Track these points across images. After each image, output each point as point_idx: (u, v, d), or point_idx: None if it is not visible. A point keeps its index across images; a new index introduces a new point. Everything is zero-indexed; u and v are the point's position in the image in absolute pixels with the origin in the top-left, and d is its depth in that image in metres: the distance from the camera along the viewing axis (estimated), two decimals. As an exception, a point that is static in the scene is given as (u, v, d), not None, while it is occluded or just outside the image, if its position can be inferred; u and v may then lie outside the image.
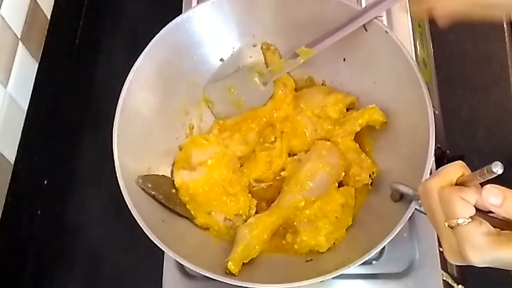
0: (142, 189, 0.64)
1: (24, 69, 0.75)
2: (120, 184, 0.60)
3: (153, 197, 0.64)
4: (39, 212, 0.78)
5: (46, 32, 0.80)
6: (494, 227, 0.42)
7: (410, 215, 0.57)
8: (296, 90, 0.74)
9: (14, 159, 0.72)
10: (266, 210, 0.67)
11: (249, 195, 0.69)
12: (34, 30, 0.77)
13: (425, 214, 0.46)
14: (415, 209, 0.57)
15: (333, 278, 0.58)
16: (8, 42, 0.71)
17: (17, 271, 0.74)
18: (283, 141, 0.71)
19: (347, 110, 0.71)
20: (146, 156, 0.67)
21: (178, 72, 0.71)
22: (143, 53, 0.66)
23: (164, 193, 0.65)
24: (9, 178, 0.71)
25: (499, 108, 0.83)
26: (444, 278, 0.67)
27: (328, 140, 0.69)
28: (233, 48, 0.75)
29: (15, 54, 0.72)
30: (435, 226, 0.44)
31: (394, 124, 0.67)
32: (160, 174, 0.68)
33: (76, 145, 0.83)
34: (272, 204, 0.67)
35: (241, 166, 0.71)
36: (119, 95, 0.64)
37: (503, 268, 0.42)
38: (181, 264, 0.67)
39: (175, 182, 0.67)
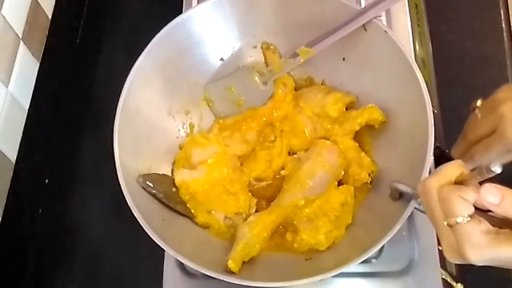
0: (143, 188, 0.64)
1: (25, 68, 0.75)
2: (120, 183, 0.60)
3: (154, 196, 0.64)
4: (40, 211, 0.79)
5: (47, 32, 0.81)
6: (493, 225, 0.42)
7: (409, 214, 0.57)
8: (296, 89, 0.74)
9: (15, 158, 0.73)
10: (266, 209, 0.67)
11: (249, 194, 0.69)
12: (35, 29, 0.77)
13: (424, 213, 0.46)
14: (414, 207, 0.57)
15: (332, 276, 0.58)
16: (10, 42, 0.71)
17: (18, 270, 0.74)
18: (283, 140, 0.71)
19: (347, 109, 0.71)
20: (147, 155, 0.67)
21: (179, 72, 0.71)
22: (143, 53, 0.67)
23: (164, 192, 0.65)
24: (10, 177, 0.71)
25: (498, 108, 0.83)
26: (443, 277, 0.67)
27: (328, 139, 0.69)
28: (233, 48, 0.75)
29: (16, 53, 0.73)
30: (434, 224, 0.44)
31: (393, 124, 0.67)
32: (161, 173, 0.68)
33: (77, 145, 0.83)
34: (272, 203, 0.67)
35: (241, 165, 0.71)
36: (120, 95, 0.64)
37: (502, 267, 0.42)
38: (182, 263, 0.67)
39: (175, 181, 0.67)
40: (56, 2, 0.83)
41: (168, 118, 0.71)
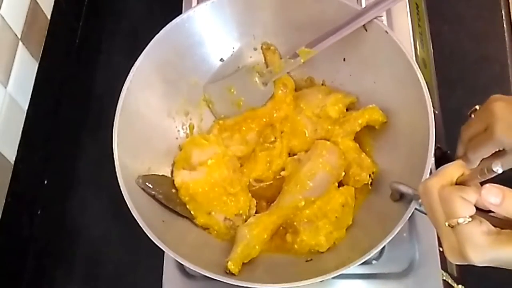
0: (142, 189, 0.64)
1: (24, 69, 0.75)
2: (120, 184, 0.60)
3: (153, 197, 0.64)
4: (39, 212, 0.78)
5: (46, 32, 0.80)
6: (494, 226, 0.42)
7: (410, 215, 0.57)
8: (296, 90, 0.74)
9: (14, 159, 0.72)
10: (266, 210, 0.67)
11: (249, 195, 0.69)
12: (34, 30, 0.77)
13: (425, 214, 0.46)
14: (415, 208, 0.57)
15: (333, 278, 0.58)
16: (8, 42, 0.71)
17: (17, 271, 0.74)
18: (283, 141, 0.71)
19: (347, 110, 0.71)
20: (146, 156, 0.67)
21: (178, 72, 0.71)
22: (143, 53, 0.66)
23: (164, 193, 0.65)
24: (9, 178, 0.71)
25: (499, 108, 0.83)
26: (444, 278, 0.67)
27: (328, 140, 0.69)
28: (233, 48, 0.75)
29: (15, 54, 0.72)
30: (436, 225, 0.44)
31: (394, 124, 0.67)
32: (160, 174, 0.68)
33: (76, 145, 0.83)
34: (272, 204, 0.67)
35: (241, 166, 0.71)
36: (119, 95, 0.64)
37: (504, 267, 0.42)
38: (181, 264, 0.67)
39: (175, 182, 0.66)
40: (55, 2, 0.83)
41: (167, 118, 0.71)
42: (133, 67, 0.66)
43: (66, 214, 0.79)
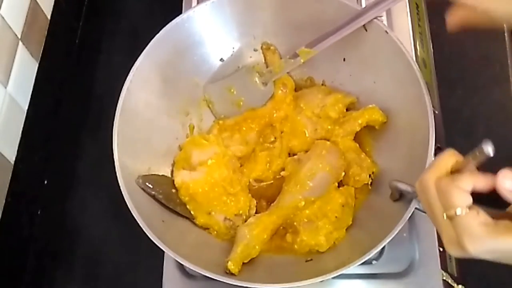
0: (142, 189, 0.64)
1: (24, 69, 0.75)
2: (120, 184, 0.60)
3: (153, 197, 0.64)
4: (39, 212, 0.78)
5: (46, 32, 0.80)
6: None
7: (410, 214, 0.57)
8: (296, 90, 0.74)
9: (14, 159, 0.72)
10: (266, 209, 0.67)
11: (249, 195, 0.69)
12: (34, 30, 0.77)
13: (425, 212, 0.46)
14: (415, 208, 0.57)
15: (333, 278, 0.58)
16: (8, 42, 0.71)
17: (17, 271, 0.74)
18: (283, 141, 0.71)
19: (347, 110, 0.71)
20: (146, 156, 0.67)
21: (178, 72, 0.71)
22: (143, 53, 0.66)
23: (164, 193, 0.65)
24: (9, 178, 0.71)
25: (499, 108, 0.83)
26: (444, 278, 0.67)
27: (328, 140, 0.69)
28: (233, 48, 0.75)
29: (15, 54, 0.72)
30: (434, 219, 0.44)
31: (394, 124, 0.67)
32: (160, 174, 0.68)
33: (76, 145, 0.83)
34: (272, 204, 0.67)
35: (241, 166, 0.71)
36: (119, 95, 0.64)
37: (502, 261, 0.42)
38: (181, 264, 0.67)
39: (175, 182, 0.67)
40: (55, 2, 0.83)
41: (167, 119, 0.71)
42: (133, 67, 0.66)
43: (66, 214, 0.79)
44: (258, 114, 0.72)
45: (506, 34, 0.85)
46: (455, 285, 0.68)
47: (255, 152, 0.71)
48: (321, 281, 0.56)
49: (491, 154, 0.39)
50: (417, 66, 0.63)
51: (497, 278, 0.69)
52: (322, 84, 0.75)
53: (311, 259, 0.64)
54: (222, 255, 0.62)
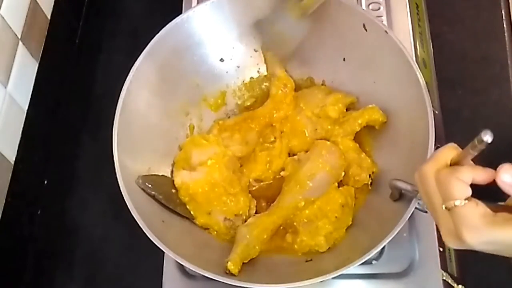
0: (142, 189, 0.64)
1: (24, 69, 0.75)
2: (120, 184, 0.60)
3: (153, 197, 0.64)
4: (39, 212, 0.78)
5: (46, 32, 0.80)
6: None
7: (410, 214, 0.57)
8: (296, 90, 0.74)
9: (14, 159, 0.72)
10: (266, 209, 0.67)
11: (249, 195, 0.69)
12: (34, 30, 0.77)
13: (425, 212, 0.46)
14: (415, 208, 0.57)
15: (333, 278, 0.58)
16: (8, 42, 0.71)
17: (17, 271, 0.74)
18: (283, 141, 0.71)
19: (347, 110, 0.71)
20: (146, 156, 0.67)
21: (178, 72, 0.71)
22: (143, 53, 0.66)
23: (164, 193, 0.65)
24: (9, 178, 0.71)
25: (499, 108, 0.83)
26: (444, 278, 0.67)
27: (328, 140, 0.69)
28: (233, 48, 0.75)
29: (15, 54, 0.72)
30: (432, 210, 0.44)
31: (394, 124, 0.67)
32: (160, 174, 0.68)
33: (76, 145, 0.83)
34: (272, 204, 0.67)
35: (241, 166, 0.71)
36: (119, 95, 0.64)
37: (500, 253, 0.42)
38: (181, 264, 0.66)
39: (175, 182, 0.67)
40: (55, 2, 0.83)
41: (167, 119, 0.71)
42: (133, 67, 0.66)
43: (66, 214, 0.79)
44: (258, 114, 0.72)
45: (506, 34, 0.85)
46: (455, 285, 0.68)
47: (255, 152, 0.71)
48: (321, 281, 0.56)
49: (490, 141, 0.39)
50: (417, 66, 0.63)
51: (497, 278, 0.69)
52: (322, 84, 0.75)
53: (311, 259, 0.64)
54: (222, 255, 0.62)
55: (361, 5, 0.81)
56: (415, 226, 0.69)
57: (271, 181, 0.70)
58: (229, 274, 0.60)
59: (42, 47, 0.79)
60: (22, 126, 0.74)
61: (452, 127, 0.76)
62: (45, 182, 0.80)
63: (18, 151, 0.73)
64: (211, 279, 0.57)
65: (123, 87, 0.64)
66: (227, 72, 0.75)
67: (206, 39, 0.72)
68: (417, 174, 0.45)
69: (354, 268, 0.56)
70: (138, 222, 0.58)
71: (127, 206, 0.59)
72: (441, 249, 0.68)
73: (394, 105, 0.67)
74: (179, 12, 0.77)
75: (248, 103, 0.76)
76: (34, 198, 0.78)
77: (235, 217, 0.67)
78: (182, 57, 0.71)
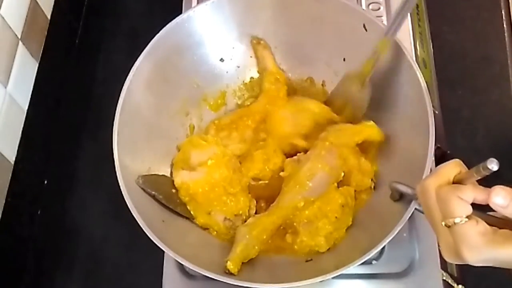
0: (142, 189, 0.64)
1: (24, 69, 0.75)
2: (120, 184, 0.60)
3: (153, 197, 0.64)
4: (39, 212, 0.78)
5: (46, 32, 0.80)
6: (490, 225, 0.42)
7: (410, 215, 0.57)
8: (296, 90, 0.74)
9: (14, 159, 0.72)
10: (266, 210, 0.67)
11: (249, 195, 0.69)
12: (34, 30, 0.77)
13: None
14: (415, 208, 0.57)
15: (333, 278, 0.58)
16: (8, 42, 0.71)
17: (17, 271, 0.74)
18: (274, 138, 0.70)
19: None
20: (146, 156, 0.67)
21: (178, 72, 0.71)
22: (143, 53, 0.66)
23: (164, 193, 0.65)
24: (9, 178, 0.71)
25: (499, 108, 0.83)
26: (444, 278, 0.67)
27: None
28: (233, 48, 0.75)
29: (15, 54, 0.72)
30: (432, 225, 0.44)
31: (393, 124, 0.67)
32: (160, 174, 0.68)
33: (76, 145, 0.83)
34: (271, 205, 0.67)
35: (240, 165, 0.71)
36: (119, 95, 0.64)
37: (500, 266, 0.42)
38: (181, 264, 0.67)
39: (175, 182, 0.66)
40: (55, 2, 0.83)
41: (167, 119, 0.71)
42: (133, 67, 0.65)
43: (66, 214, 0.79)
44: (252, 110, 0.72)
45: (506, 34, 0.85)
46: (455, 285, 0.68)
47: (251, 151, 0.71)
48: (321, 281, 0.56)
49: (495, 169, 0.39)
50: (417, 66, 0.63)
51: (497, 278, 0.69)
52: (322, 85, 0.75)
53: (311, 259, 0.64)
54: (222, 255, 0.62)
55: (361, 5, 0.81)
56: (415, 226, 0.69)
57: (269, 180, 0.70)
58: (229, 273, 0.60)
59: (42, 47, 0.79)
60: (22, 126, 0.74)
61: (452, 127, 0.77)
62: (45, 182, 0.80)
63: (18, 151, 0.73)
64: (211, 278, 0.57)
65: (123, 87, 0.64)
66: (227, 72, 0.75)
67: (206, 39, 0.72)
68: (418, 186, 0.45)
69: (354, 268, 0.56)
70: (138, 222, 0.58)
71: (127, 206, 0.59)
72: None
73: (394, 105, 0.67)
74: (179, 12, 0.76)
75: (248, 103, 0.76)
76: (34, 198, 0.78)
77: (235, 217, 0.67)
78: (182, 57, 0.71)
